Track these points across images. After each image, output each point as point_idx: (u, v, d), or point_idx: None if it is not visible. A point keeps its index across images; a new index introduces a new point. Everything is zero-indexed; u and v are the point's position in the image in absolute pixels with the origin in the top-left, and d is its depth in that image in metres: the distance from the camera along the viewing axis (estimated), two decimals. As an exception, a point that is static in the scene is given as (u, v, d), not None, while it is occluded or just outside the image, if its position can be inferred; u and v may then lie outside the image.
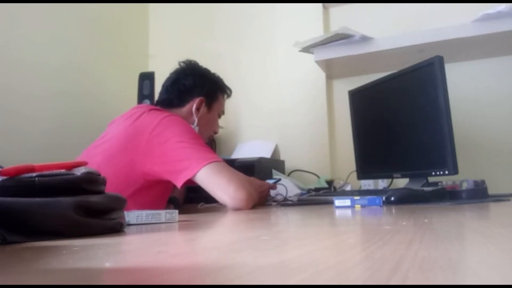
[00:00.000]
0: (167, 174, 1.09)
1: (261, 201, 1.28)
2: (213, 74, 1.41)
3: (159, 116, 1.15)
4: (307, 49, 1.62)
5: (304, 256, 0.30)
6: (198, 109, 1.31)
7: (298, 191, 1.47)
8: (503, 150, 1.56)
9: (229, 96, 1.45)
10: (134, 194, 1.11)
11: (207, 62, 1.42)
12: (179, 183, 1.07)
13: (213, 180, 1.06)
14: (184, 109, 1.31)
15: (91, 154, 1.16)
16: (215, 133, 1.45)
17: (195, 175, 1.05)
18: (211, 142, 1.92)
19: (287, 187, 1.38)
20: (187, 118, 1.29)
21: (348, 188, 1.59)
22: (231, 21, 2.06)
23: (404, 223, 0.51)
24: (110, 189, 0.57)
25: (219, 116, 1.43)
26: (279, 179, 1.44)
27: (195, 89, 1.33)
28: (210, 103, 1.35)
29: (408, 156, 1.29)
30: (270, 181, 1.38)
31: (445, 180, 1.21)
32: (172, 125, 1.13)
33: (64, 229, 0.47)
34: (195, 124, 1.30)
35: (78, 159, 1.18)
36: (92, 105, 1.84)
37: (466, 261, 0.27)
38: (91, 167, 0.55)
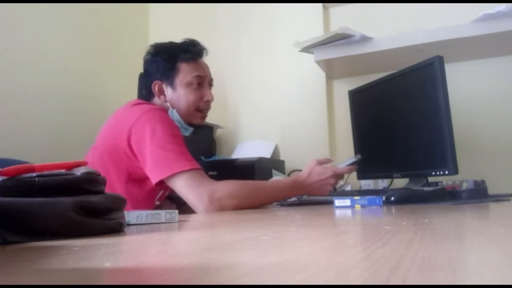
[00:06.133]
0: (145, 170, 1.11)
1: (323, 190, 1.17)
2: (165, 46, 1.29)
3: (139, 112, 1.13)
4: (307, 49, 1.62)
5: (304, 256, 0.30)
6: (163, 93, 1.26)
7: (298, 191, 1.46)
8: (503, 150, 1.56)
9: (195, 56, 1.27)
10: (127, 187, 1.13)
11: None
12: (153, 183, 1.09)
13: (181, 192, 1.07)
14: (155, 99, 1.28)
15: (89, 154, 1.21)
16: (207, 101, 1.29)
17: (165, 180, 1.08)
18: (211, 143, 1.92)
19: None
20: (163, 106, 1.26)
21: (348, 188, 1.59)
22: (231, 21, 2.06)
23: (404, 223, 0.51)
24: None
25: (201, 83, 1.27)
26: (355, 160, 1.22)
27: (148, 74, 1.28)
28: (171, 80, 1.25)
29: (408, 156, 1.29)
30: (343, 164, 1.22)
31: (445, 180, 1.21)
32: (148, 124, 1.11)
33: (64, 229, 0.47)
34: (170, 108, 1.25)
35: None
36: (91, 105, 1.84)
37: (466, 261, 0.27)
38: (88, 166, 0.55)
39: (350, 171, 1.23)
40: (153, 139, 1.08)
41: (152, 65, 1.27)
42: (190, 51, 1.27)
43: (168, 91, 1.26)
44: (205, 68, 1.31)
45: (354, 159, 1.23)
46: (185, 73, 1.25)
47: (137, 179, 1.15)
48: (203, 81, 1.28)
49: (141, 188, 1.15)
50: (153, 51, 1.29)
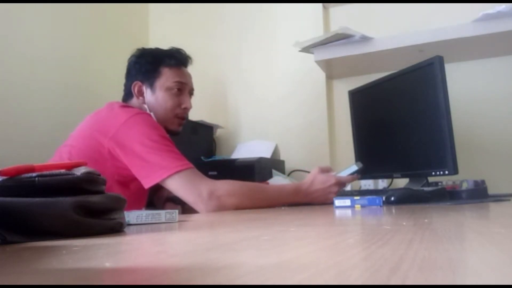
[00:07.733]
0: (135, 173, 1.09)
1: (326, 198, 1.15)
2: (151, 50, 1.30)
3: (127, 114, 1.12)
4: (307, 49, 1.62)
5: (304, 256, 0.30)
6: (142, 94, 1.26)
7: (298, 191, 1.46)
8: (503, 150, 1.56)
9: (179, 62, 1.28)
10: (107, 188, 1.11)
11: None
12: (145, 186, 1.08)
13: (179, 191, 1.06)
14: (134, 100, 1.27)
15: (64, 151, 1.16)
16: (185, 108, 1.29)
17: (161, 182, 1.06)
18: (211, 143, 1.92)
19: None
20: (141, 107, 1.25)
21: (348, 188, 1.59)
22: (231, 21, 2.06)
23: (404, 223, 0.51)
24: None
25: (181, 90, 1.27)
26: (358, 169, 1.21)
27: (130, 75, 1.28)
28: (152, 82, 1.25)
29: (408, 156, 1.29)
30: (345, 172, 1.22)
31: (445, 180, 1.21)
32: (138, 126, 1.10)
33: (64, 229, 0.47)
34: (148, 111, 1.24)
35: (51, 159, 1.18)
36: (92, 104, 1.84)
37: (466, 261, 0.27)
38: None
39: (353, 180, 1.23)
40: (146, 141, 1.07)
41: (135, 66, 1.28)
42: (175, 57, 1.28)
43: (147, 92, 1.26)
44: (187, 76, 1.32)
45: (356, 167, 1.22)
46: (166, 77, 1.26)
47: (119, 180, 1.12)
48: (183, 88, 1.28)
49: (122, 192, 1.13)
50: (138, 54, 1.30)
